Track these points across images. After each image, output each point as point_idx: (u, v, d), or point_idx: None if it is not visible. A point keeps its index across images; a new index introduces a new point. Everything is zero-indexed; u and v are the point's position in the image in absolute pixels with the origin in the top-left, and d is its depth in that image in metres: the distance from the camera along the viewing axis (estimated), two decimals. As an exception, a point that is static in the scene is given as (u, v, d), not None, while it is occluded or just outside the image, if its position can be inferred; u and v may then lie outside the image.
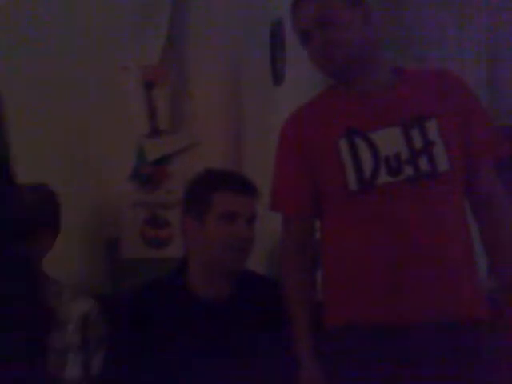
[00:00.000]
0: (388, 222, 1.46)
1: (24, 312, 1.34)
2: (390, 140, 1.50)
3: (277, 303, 1.61)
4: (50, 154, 2.09)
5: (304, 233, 1.58)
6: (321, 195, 1.55)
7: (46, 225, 1.68)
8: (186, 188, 1.72)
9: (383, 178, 1.48)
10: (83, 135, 2.10)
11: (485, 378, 1.45)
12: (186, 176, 1.80)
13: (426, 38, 3.55)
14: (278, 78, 2.39)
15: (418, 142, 1.48)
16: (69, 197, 1.97)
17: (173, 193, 2.02)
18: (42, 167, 2.03)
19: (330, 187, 1.53)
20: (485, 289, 1.54)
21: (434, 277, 1.44)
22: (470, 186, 1.54)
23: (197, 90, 2.06)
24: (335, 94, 1.58)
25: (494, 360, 1.47)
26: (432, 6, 3.58)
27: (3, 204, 1.37)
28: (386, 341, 1.44)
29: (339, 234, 1.52)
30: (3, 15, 2.07)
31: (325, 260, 1.57)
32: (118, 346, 1.63)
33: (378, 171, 1.48)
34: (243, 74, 2.14)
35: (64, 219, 1.77)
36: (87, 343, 1.64)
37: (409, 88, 1.54)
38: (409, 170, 1.47)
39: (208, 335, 1.58)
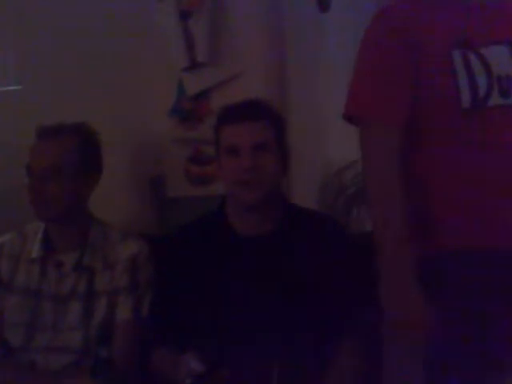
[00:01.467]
0: (500, 146, 1.33)
1: None
2: (500, 58, 1.35)
3: (329, 239, 1.50)
4: (91, 93, 2.01)
5: (394, 148, 1.33)
6: (420, 111, 1.36)
7: (88, 165, 1.61)
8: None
9: (496, 99, 1.34)
10: (122, 72, 2.00)
11: None
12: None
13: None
14: (324, 4, 2.20)
15: None
16: (111, 136, 1.91)
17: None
18: (83, 107, 1.96)
19: (438, 101, 1.35)
20: None
21: None
22: None
23: (236, 18, 1.90)
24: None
25: None
26: None
27: None
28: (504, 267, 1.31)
29: (447, 157, 1.36)
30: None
31: (430, 183, 1.38)
32: (163, 284, 1.56)
33: (491, 91, 1.33)
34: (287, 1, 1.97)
35: (107, 159, 1.70)
36: (136, 285, 1.58)
37: None
38: None
39: (250, 271, 1.49)
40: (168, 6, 1.93)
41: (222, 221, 1.55)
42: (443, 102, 1.34)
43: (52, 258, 1.61)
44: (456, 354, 1.31)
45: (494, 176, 1.33)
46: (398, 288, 1.30)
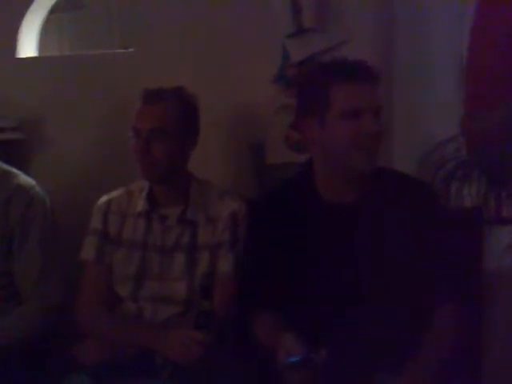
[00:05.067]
0: None
1: None
2: None
3: (421, 205, 1.34)
4: (192, 58, 1.94)
5: None
6: None
7: (188, 127, 1.55)
8: (301, 85, 1.42)
9: None
10: (227, 39, 1.90)
11: None
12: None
13: None
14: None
15: None
16: (215, 102, 1.84)
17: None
18: (187, 72, 1.90)
19: None
20: None
21: None
22: None
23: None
24: None
25: None
26: None
27: None
28: None
29: None
30: None
31: None
32: (255, 248, 1.45)
33: None
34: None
35: (209, 124, 1.64)
36: (237, 241, 1.52)
37: None
38: None
39: (335, 237, 1.35)
40: (276, -28, 1.83)
41: (308, 185, 1.39)
42: None
43: (156, 212, 1.56)
44: None
45: None
46: None
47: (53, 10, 2.22)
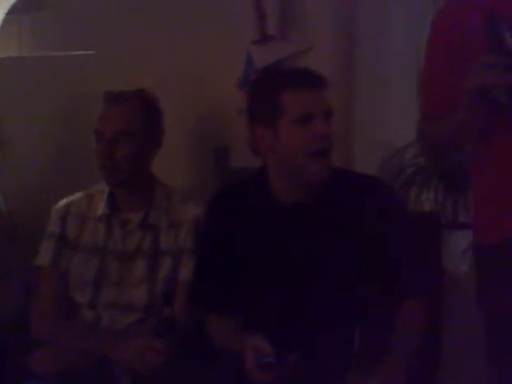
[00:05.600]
0: None
1: None
2: None
3: (378, 202, 1.33)
4: (157, 63, 1.91)
5: None
6: None
7: (151, 129, 1.52)
8: (251, 92, 1.42)
9: None
10: (192, 42, 1.89)
11: None
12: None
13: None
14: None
15: None
16: (177, 105, 1.82)
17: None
18: (146, 74, 1.87)
19: None
20: None
21: None
22: None
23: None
24: None
25: None
26: None
27: None
28: None
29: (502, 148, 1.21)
30: None
31: (487, 175, 1.26)
32: (208, 248, 1.43)
33: None
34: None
35: (173, 128, 1.60)
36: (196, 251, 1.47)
37: None
38: None
39: (291, 237, 1.34)
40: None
41: (264, 187, 1.38)
42: None
43: (117, 216, 1.52)
44: None
45: None
46: None
47: (12, 12, 2.16)
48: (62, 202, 1.57)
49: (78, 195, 1.59)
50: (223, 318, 1.37)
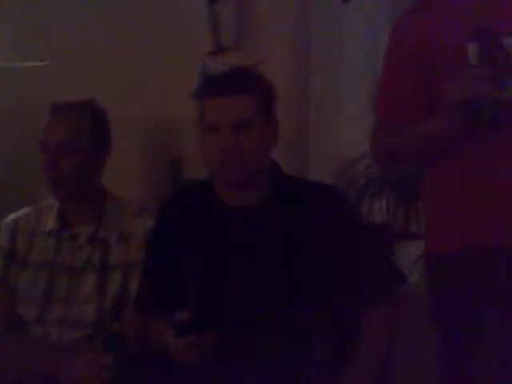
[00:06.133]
0: None
1: None
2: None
3: (327, 208, 1.31)
4: (111, 74, 1.89)
5: None
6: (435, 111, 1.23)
7: (99, 140, 1.49)
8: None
9: None
10: (146, 54, 1.87)
11: None
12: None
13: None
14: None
15: None
16: (131, 118, 1.79)
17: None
18: (101, 87, 1.82)
19: None
20: None
21: None
22: None
23: (263, 4, 1.78)
24: None
25: None
26: None
27: None
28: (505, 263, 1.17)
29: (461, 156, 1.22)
30: None
31: (441, 182, 1.27)
32: (152, 253, 1.40)
33: None
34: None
35: (127, 140, 1.62)
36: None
37: None
38: None
39: (236, 240, 1.32)
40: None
41: (210, 192, 1.36)
42: None
43: (67, 231, 1.48)
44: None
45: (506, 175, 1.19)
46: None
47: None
48: (10, 217, 1.53)
49: (26, 210, 1.54)
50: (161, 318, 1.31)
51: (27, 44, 2.02)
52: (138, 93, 1.88)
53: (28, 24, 2.02)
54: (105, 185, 1.55)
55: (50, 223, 1.50)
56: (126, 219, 1.50)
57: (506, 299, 1.19)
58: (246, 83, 1.30)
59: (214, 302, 1.29)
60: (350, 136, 1.97)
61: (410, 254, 1.75)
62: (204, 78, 1.82)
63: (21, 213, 1.54)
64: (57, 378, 1.34)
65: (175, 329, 1.18)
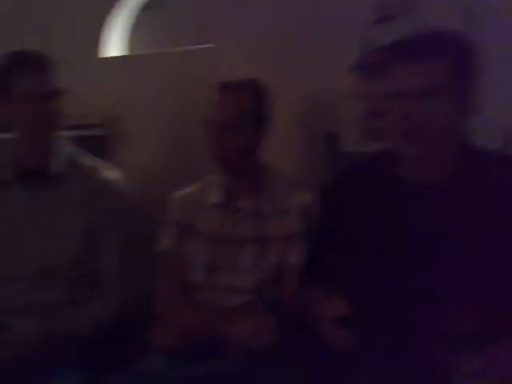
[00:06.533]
0: None
1: None
2: None
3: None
4: (263, 50, 1.91)
5: None
6: None
7: (262, 117, 1.53)
8: None
9: None
10: (301, 27, 1.86)
11: None
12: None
13: None
14: None
15: None
16: (287, 93, 1.79)
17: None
18: (257, 62, 1.88)
19: None
20: None
21: None
22: None
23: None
24: None
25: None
26: None
27: None
28: None
29: None
30: None
31: None
32: (326, 219, 1.38)
33: None
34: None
35: (283, 114, 1.62)
36: (307, 233, 1.46)
37: None
38: None
39: (417, 215, 1.25)
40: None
41: (390, 165, 1.29)
42: None
43: (230, 204, 1.55)
44: None
45: None
46: None
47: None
48: (180, 192, 1.63)
49: (194, 186, 1.64)
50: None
51: (191, 29, 2.11)
52: (293, 68, 1.88)
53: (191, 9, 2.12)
54: (264, 159, 1.58)
55: (215, 197, 1.58)
56: (284, 193, 1.54)
57: None
58: (436, 47, 1.21)
59: (386, 282, 1.24)
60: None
61: None
62: (365, 48, 1.76)
63: (189, 188, 1.64)
64: (224, 336, 1.41)
65: (338, 319, 1.19)
